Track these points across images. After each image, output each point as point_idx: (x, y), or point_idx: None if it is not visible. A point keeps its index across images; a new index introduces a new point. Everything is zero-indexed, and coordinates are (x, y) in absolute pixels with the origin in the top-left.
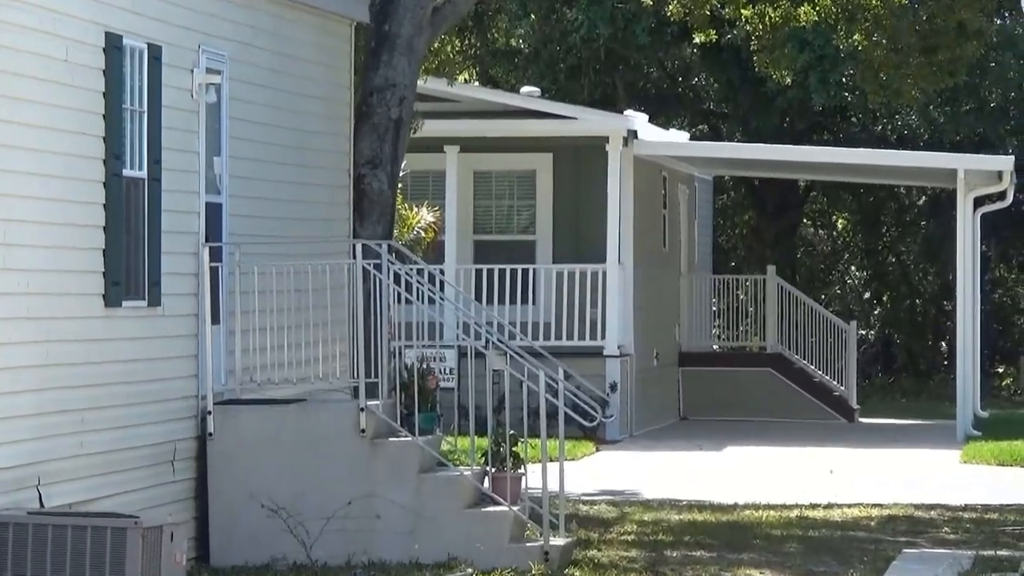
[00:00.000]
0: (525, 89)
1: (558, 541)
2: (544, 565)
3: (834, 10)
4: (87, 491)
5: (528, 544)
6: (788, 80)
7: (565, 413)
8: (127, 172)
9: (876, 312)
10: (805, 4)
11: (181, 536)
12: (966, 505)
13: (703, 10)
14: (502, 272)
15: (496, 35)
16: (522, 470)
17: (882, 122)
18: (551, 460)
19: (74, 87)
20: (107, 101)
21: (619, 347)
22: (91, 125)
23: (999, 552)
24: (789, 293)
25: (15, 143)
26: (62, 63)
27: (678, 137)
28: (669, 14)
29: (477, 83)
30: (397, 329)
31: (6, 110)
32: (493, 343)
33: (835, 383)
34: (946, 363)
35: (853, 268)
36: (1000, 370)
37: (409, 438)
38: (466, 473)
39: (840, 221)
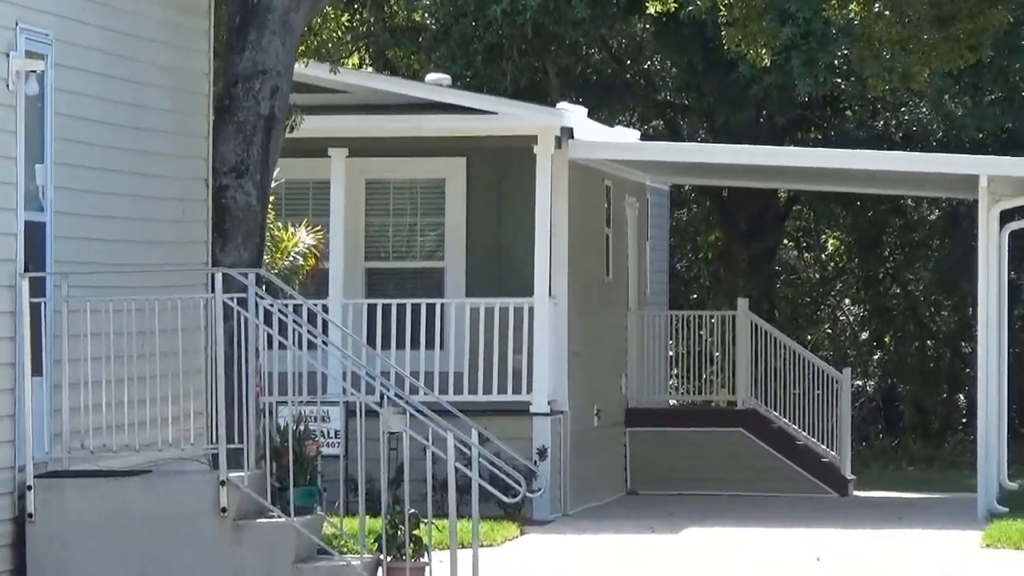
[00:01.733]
0: (432, 77)
1: None
2: None
3: None
4: None
5: None
6: (766, 63)
7: (480, 487)
8: None
9: (876, 357)
10: None
11: None
12: None
13: None
14: (401, 308)
15: (395, 8)
16: (425, 559)
17: (884, 116)
18: (462, 546)
19: None
20: None
21: (550, 403)
22: None
23: None
24: (766, 333)
25: None
26: None
27: (625, 136)
28: None
29: (371, 69)
30: (268, 381)
31: None
32: (390, 399)
33: (824, 447)
34: (964, 421)
35: (847, 301)
36: None
37: (283, 519)
38: (354, 563)
39: (831, 242)
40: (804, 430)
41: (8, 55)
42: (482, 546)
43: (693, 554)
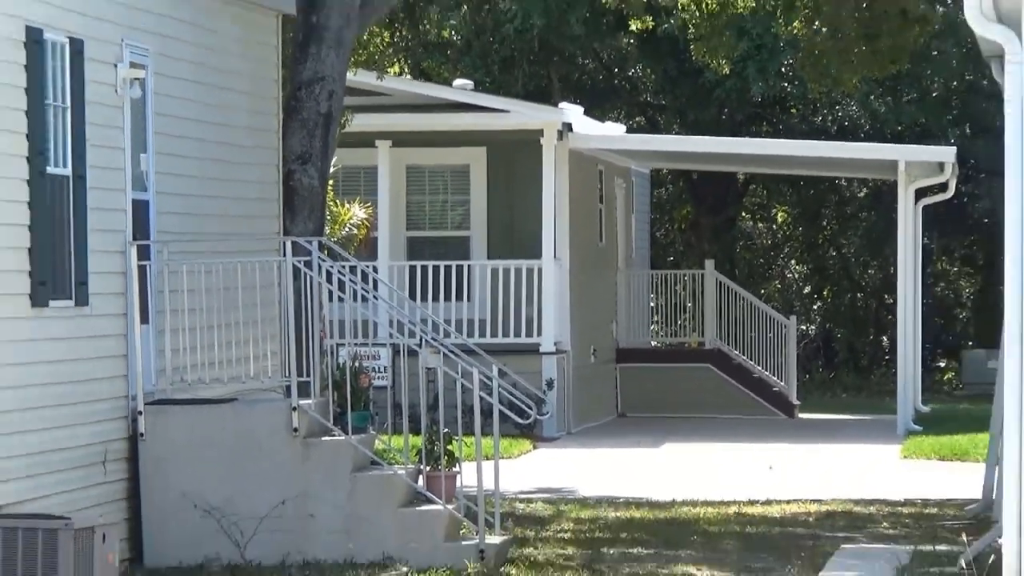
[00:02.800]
0: (458, 82)
1: (494, 539)
2: (480, 563)
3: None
4: (17, 493)
5: (464, 542)
6: (726, 70)
7: (500, 411)
8: (51, 169)
9: (816, 307)
10: None
11: (113, 537)
12: (905, 500)
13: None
14: (436, 269)
15: (427, 27)
16: (457, 468)
17: (822, 113)
18: (486, 458)
19: None
20: (29, 97)
21: (555, 344)
22: (13, 122)
23: (937, 547)
24: (728, 288)
25: None
26: None
27: (614, 130)
28: (604, 2)
29: (408, 76)
30: (329, 327)
31: None
32: (427, 341)
33: (775, 379)
34: (887, 358)
35: (793, 262)
36: (942, 364)
37: (342, 437)
38: (400, 472)
39: (780, 215)
40: (759, 365)
41: (116, 66)
42: (502, 458)
43: (670, 463)
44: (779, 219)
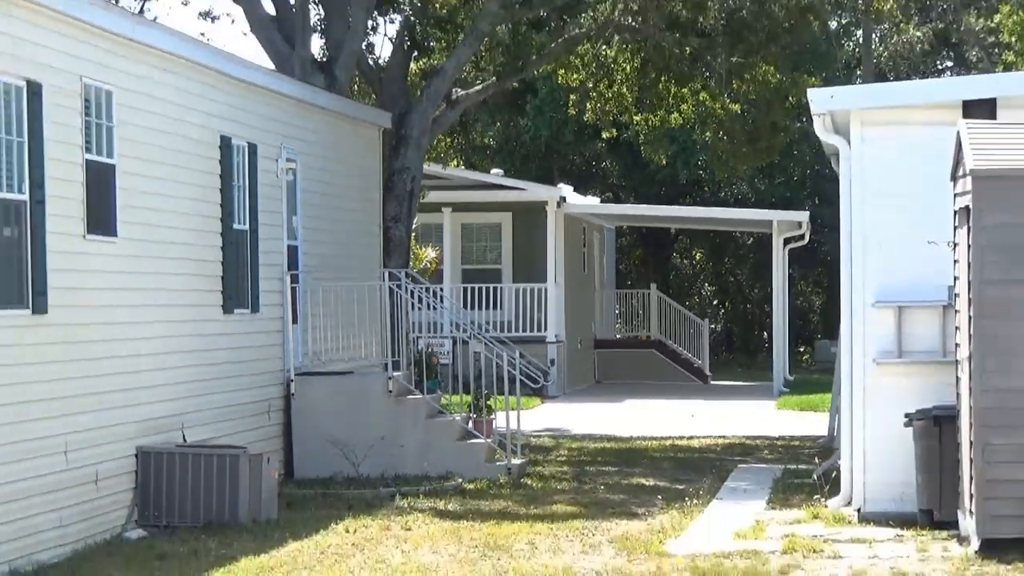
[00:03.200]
0: (494, 171)
1: (517, 461)
2: (508, 476)
3: (693, 117)
4: (213, 431)
5: (497, 463)
6: (663, 162)
7: (520, 380)
8: (236, 225)
9: (721, 313)
10: (675, 113)
11: (274, 460)
12: (779, 436)
13: (608, 117)
14: (480, 289)
15: (474, 135)
16: (492, 416)
17: (724, 190)
18: (511, 409)
19: (201, 172)
20: (222, 181)
21: (555, 336)
22: (213, 196)
23: (799, 466)
24: (665, 301)
25: (170, 208)
26: (194, 156)
27: (592, 201)
28: (586, 120)
29: (462, 167)
30: (412, 326)
31: (170, 187)
32: (474, 335)
33: (695, 359)
34: (767, 346)
35: (706, 285)
36: (801, 350)
37: (420, 396)
38: (456, 418)
39: (698, 254)
40: (685, 350)
41: (276, 160)
42: (521, 410)
43: (629, 413)
44: (697, 257)
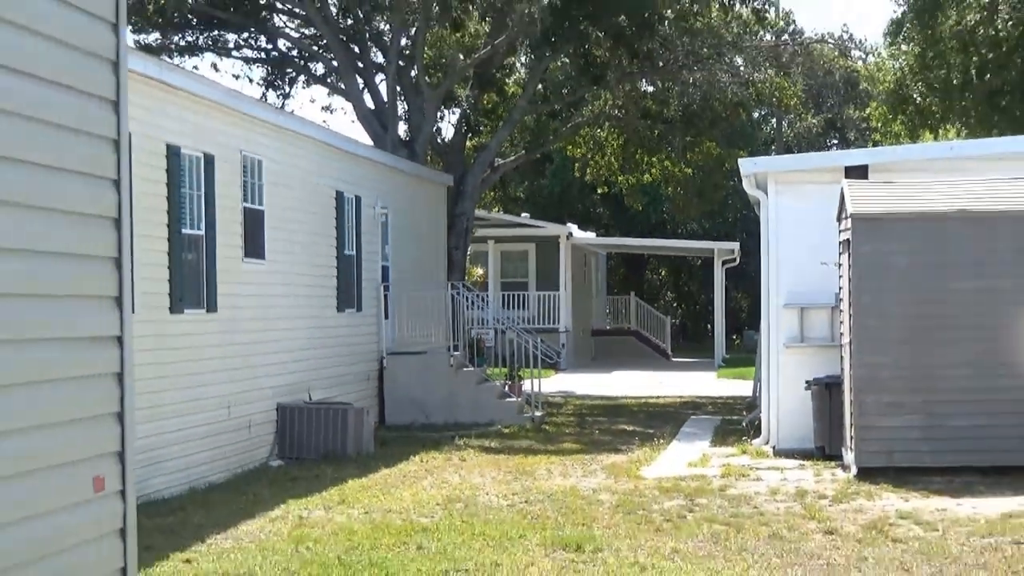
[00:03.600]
0: (523, 215)
1: (538, 413)
2: (532, 424)
3: (660, 177)
4: (330, 392)
5: (524, 415)
6: (640, 208)
7: (541, 358)
8: (347, 252)
9: (679, 312)
10: (647, 174)
11: (372, 413)
12: (719, 397)
13: (602, 178)
14: (513, 295)
15: (510, 190)
16: (522, 382)
17: (682, 227)
18: (535, 378)
19: (323, 215)
20: (337, 223)
21: (565, 327)
22: (331, 231)
23: (734, 416)
24: (641, 304)
25: (301, 240)
26: (317, 204)
27: (591, 235)
28: (587, 180)
29: (501, 212)
30: (467, 321)
31: (301, 226)
32: (509, 327)
33: (661, 343)
34: (710, 334)
35: (668, 292)
36: (734, 337)
37: (472, 369)
38: (497, 383)
39: (663, 271)
40: (655, 337)
41: (374, 207)
42: (541, 378)
43: (617, 380)
44: (663, 273)
